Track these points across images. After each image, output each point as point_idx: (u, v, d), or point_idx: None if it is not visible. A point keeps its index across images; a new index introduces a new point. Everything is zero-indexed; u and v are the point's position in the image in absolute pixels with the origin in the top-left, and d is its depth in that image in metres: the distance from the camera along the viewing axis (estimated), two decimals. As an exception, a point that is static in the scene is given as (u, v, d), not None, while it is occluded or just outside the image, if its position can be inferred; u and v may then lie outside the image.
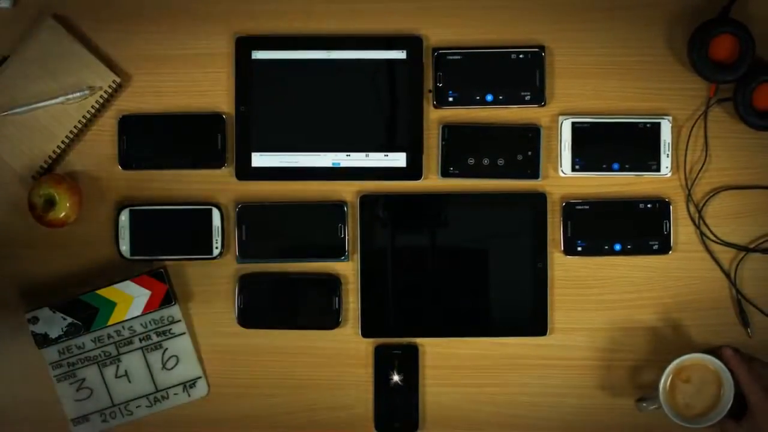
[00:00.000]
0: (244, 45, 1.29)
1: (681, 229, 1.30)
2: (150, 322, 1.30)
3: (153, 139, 1.30)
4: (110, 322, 1.29)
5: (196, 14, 1.30)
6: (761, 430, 1.16)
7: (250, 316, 1.30)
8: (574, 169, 1.29)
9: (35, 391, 1.31)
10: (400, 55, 1.29)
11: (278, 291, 1.30)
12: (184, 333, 1.30)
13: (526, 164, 1.29)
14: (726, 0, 1.27)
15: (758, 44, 1.25)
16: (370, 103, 1.29)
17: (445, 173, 1.29)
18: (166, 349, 1.30)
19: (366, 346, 1.30)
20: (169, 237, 1.29)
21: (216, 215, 1.29)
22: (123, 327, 1.30)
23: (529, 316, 1.29)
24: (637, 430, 1.30)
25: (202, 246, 1.29)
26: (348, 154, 1.29)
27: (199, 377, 1.31)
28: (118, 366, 1.30)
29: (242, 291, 1.29)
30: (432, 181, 1.30)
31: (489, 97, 1.29)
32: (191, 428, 1.31)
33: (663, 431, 1.28)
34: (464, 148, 1.29)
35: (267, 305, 1.30)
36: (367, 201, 1.29)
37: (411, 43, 1.29)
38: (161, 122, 1.30)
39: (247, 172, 1.30)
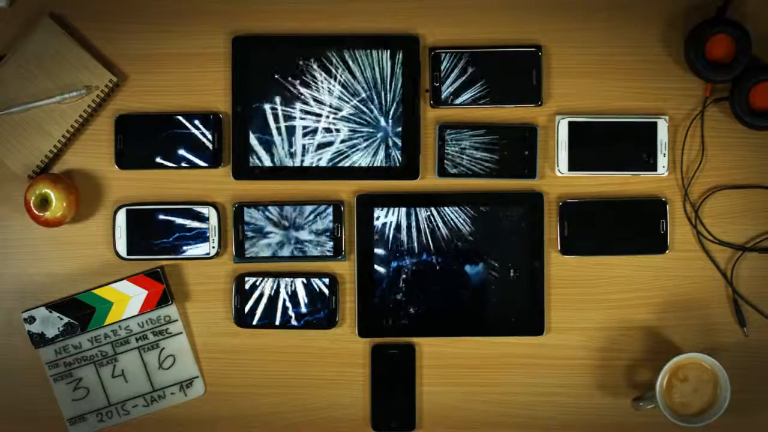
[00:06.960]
0: (241, 44, 1.29)
1: (678, 228, 1.30)
2: (147, 321, 1.30)
3: (149, 139, 1.30)
4: (107, 322, 1.29)
5: (192, 14, 1.30)
6: None
7: (247, 316, 1.30)
8: (571, 169, 1.29)
9: (31, 391, 1.31)
10: (396, 54, 1.29)
11: (274, 291, 1.29)
12: (180, 333, 1.30)
13: (523, 164, 1.29)
14: (722, 0, 1.27)
15: (754, 44, 1.25)
16: (366, 102, 1.29)
17: (441, 173, 1.29)
18: (163, 348, 1.30)
19: (363, 346, 1.30)
20: (165, 236, 1.29)
21: (213, 215, 1.29)
22: (120, 327, 1.30)
23: (525, 316, 1.29)
24: (633, 429, 1.30)
25: (199, 245, 1.29)
26: (344, 153, 1.29)
27: (196, 377, 1.31)
28: (114, 366, 1.30)
29: (239, 290, 1.29)
30: (429, 180, 1.30)
31: (486, 97, 1.29)
32: (188, 428, 1.31)
33: (659, 430, 1.29)
34: (461, 147, 1.29)
35: (264, 305, 1.30)
36: (364, 200, 1.29)
37: (408, 42, 1.29)
38: (158, 122, 1.30)
39: (243, 172, 1.29)
